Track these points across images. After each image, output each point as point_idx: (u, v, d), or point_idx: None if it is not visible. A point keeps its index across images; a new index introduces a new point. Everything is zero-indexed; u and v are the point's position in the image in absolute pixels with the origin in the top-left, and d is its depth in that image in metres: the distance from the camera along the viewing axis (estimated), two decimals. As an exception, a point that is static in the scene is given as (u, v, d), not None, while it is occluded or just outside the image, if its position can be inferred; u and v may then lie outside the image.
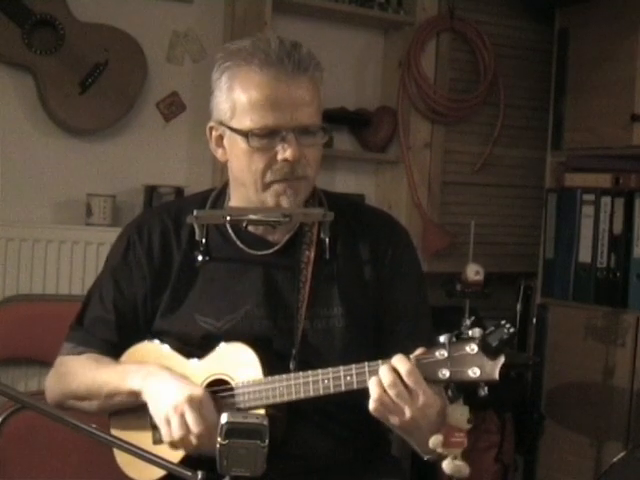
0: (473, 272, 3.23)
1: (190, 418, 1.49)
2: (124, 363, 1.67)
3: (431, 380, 1.41)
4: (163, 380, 1.57)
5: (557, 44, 3.47)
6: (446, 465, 1.42)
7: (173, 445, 1.52)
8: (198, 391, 1.53)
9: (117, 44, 2.93)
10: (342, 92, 3.36)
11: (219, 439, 1.40)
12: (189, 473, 1.30)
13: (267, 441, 1.39)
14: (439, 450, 1.42)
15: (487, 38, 3.46)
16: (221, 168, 2.97)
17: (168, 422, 1.51)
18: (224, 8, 3.18)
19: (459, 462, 1.41)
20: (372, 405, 1.44)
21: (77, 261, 2.85)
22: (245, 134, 1.58)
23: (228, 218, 1.61)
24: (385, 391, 1.42)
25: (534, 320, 3.47)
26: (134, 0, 3.04)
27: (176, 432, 1.50)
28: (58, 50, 2.83)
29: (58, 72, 2.84)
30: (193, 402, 1.50)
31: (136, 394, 1.59)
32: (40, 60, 2.81)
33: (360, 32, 3.45)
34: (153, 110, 3.11)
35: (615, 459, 2.46)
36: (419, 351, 1.44)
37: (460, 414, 1.41)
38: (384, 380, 1.42)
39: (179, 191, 3.00)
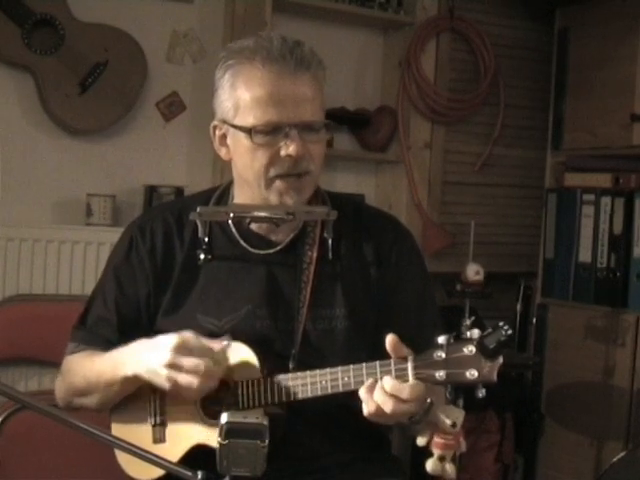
0: (473, 272, 3.23)
1: (186, 362, 1.47)
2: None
3: (428, 381, 1.41)
4: (146, 351, 1.54)
5: (557, 44, 3.47)
6: (428, 464, 1.42)
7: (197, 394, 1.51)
8: (176, 338, 1.50)
9: (117, 44, 2.93)
10: (342, 92, 3.36)
11: (219, 439, 1.40)
12: (189, 473, 1.30)
13: (267, 441, 1.39)
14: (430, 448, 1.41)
15: (487, 38, 3.46)
16: (221, 168, 2.98)
17: (172, 380, 1.49)
18: (224, 8, 3.17)
19: (445, 464, 1.40)
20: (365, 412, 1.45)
21: (77, 261, 2.84)
22: (248, 131, 1.58)
23: (231, 215, 1.61)
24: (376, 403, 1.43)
25: (534, 320, 3.47)
26: (134, 0, 3.03)
27: (186, 381, 1.48)
28: (58, 50, 2.83)
29: (58, 72, 2.84)
30: (179, 348, 1.48)
31: (132, 380, 1.57)
32: (40, 60, 2.81)
33: (360, 32, 3.45)
34: (153, 110, 3.11)
35: (615, 459, 2.47)
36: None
37: (446, 417, 1.40)
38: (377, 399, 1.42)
39: (179, 191, 3.00)
